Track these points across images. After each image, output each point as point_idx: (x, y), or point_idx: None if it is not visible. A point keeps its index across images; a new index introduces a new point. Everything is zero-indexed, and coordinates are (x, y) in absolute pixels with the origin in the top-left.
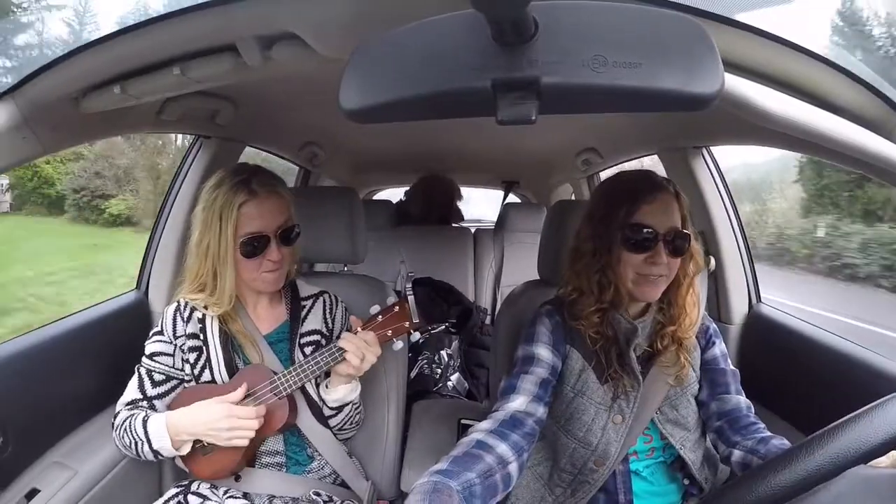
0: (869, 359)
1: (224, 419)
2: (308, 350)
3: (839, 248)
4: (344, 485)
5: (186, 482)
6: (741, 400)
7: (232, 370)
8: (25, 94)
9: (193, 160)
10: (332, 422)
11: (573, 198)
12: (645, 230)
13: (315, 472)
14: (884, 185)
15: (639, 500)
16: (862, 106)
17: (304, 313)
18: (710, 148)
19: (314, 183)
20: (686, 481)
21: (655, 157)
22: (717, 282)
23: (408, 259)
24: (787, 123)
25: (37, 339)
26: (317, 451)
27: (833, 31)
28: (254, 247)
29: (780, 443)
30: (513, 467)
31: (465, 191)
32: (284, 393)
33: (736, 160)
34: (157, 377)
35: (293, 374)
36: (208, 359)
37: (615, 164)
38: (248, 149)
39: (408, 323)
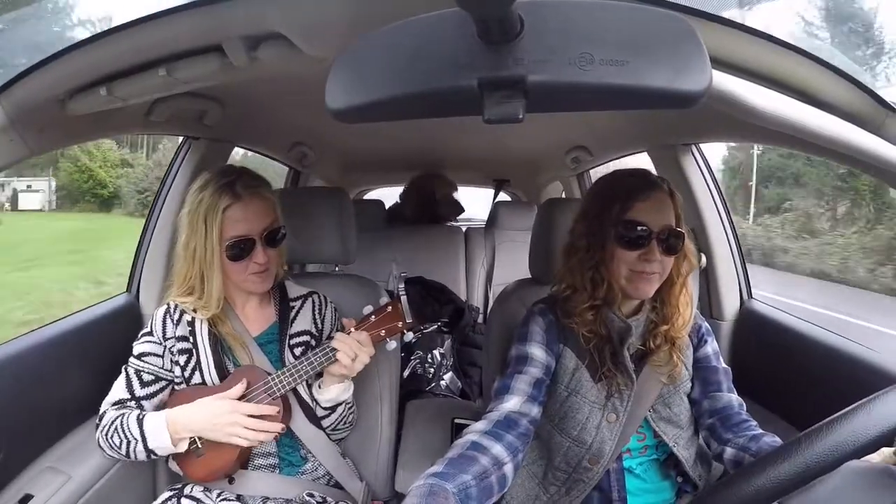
0: (860, 354)
1: (227, 414)
2: (298, 351)
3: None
4: (338, 486)
5: (180, 485)
6: (733, 398)
7: (222, 372)
8: (11, 97)
9: (182, 162)
10: (326, 422)
11: (563, 196)
12: (639, 227)
13: (309, 473)
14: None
15: (633, 497)
16: (850, 102)
17: (293, 314)
18: (700, 145)
19: (304, 183)
20: (679, 479)
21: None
22: (708, 278)
23: (399, 258)
24: (775, 120)
25: (28, 343)
26: (310, 452)
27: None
28: (240, 250)
29: (772, 440)
30: (508, 468)
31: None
32: (278, 394)
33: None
34: (146, 377)
35: (286, 374)
36: (198, 361)
37: (605, 162)
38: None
39: (401, 323)
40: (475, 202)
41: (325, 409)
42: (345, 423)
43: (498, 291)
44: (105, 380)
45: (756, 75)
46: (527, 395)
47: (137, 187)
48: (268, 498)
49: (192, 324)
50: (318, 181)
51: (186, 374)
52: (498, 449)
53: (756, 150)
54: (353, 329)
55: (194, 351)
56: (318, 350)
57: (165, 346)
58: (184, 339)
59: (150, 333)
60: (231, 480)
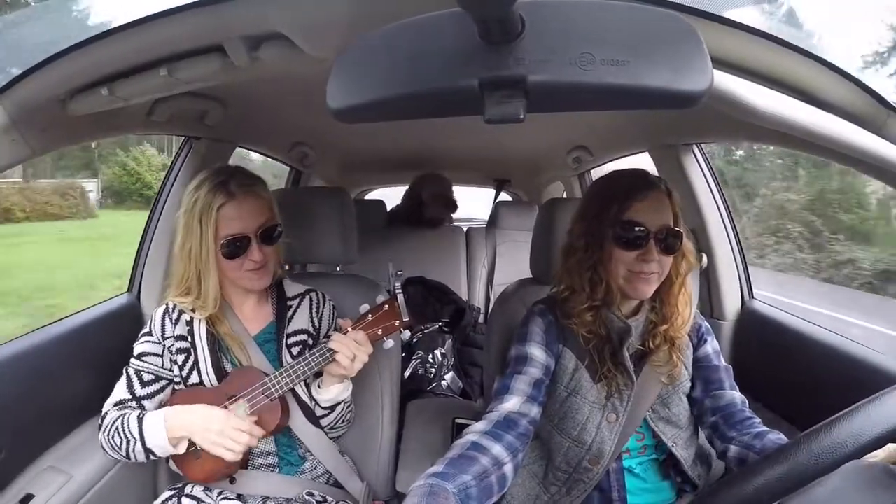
0: (862, 354)
1: (219, 424)
2: (295, 350)
3: None
4: (338, 485)
5: (180, 485)
6: (735, 395)
7: (219, 372)
8: (12, 97)
9: (183, 162)
10: (324, 421)
11: (564, 196)
12: (636, 228)
13: (308, 472)
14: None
15: (632, 497)
16: (851, 102)
17: (290, 313)
18: (701, 145)
19: (305, 183)
20: (678, 479)
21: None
22: (709, 278)
23: (400, 258)
24: (776, 120)
25: (29, 343)
26: (308, 451)
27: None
28: (235, 247)
29: (777, 437)
30: (508, 468)
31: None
32: (276, 395)
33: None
34: (146, 377)
35: (284, 375)
36: (196, 361)
37: (606, 162)
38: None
39: (398, 321)
40: (473, 201)
41: (324, 408)
42: (343, 421)
43: (499, 291)
44: (106, 379)
45: (757, 75)
46: (526, 395)
47: None
48: (268, 497)
49: (190, 323)
50: (318, 181)
51: (184, 373)
52: (498, 449)
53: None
54: (349, 329)
55: (192, 351)
56: (315, 350)
57: (164, 346)
58: (182, 338)
59: (150, 333)
60: (232, 480)
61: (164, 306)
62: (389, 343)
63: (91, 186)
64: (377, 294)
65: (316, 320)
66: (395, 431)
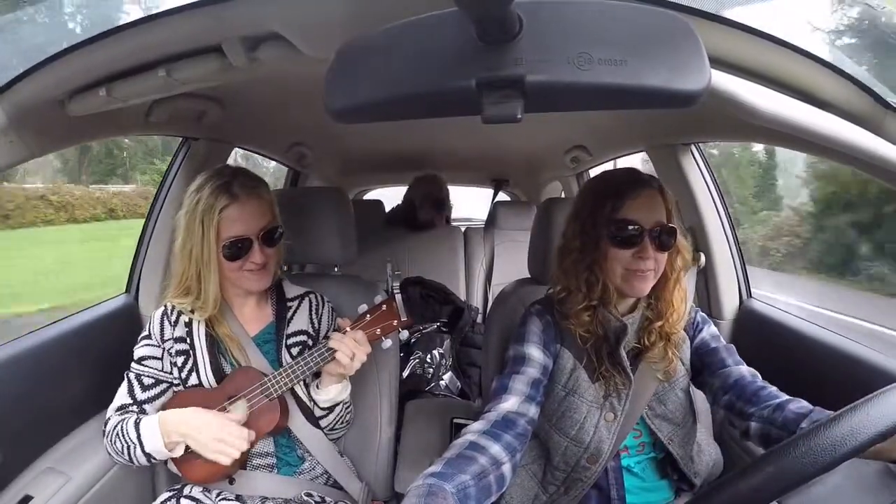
0: (860, 353)
1: (216, 430)
2: (295, 351)
3: None
4: (336, 485)
5: (179, 486)
6: (741, 369)
7: (219, 373)
8: (10, 98)
9: (182, 162)
10: (324, 422)
11: (563, 195)
12: (630, 226)
13: (306, 472)
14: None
15: (631, 495)
16: (849, 101)
17: (289, 314)
18: (699, 144)
19: (303, 183)
20: (676, 477)
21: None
22: (707, 278)
23: (398, 259)
24: (775, 119)
25: (27, 345)
26: (308, 451)
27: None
28: (237, 249)
29: (798, 407)
30: (506, 468)
31: (452, 190)
32: (275, 395)
33: None
34: (147, 381)
35: (283, 375)
36: (195, 362)
37: (604, 162)
38: None
39: (396, 321)
40: (474, 201)
41: (323, 409)
42: (342, 422)
43: (497, 291)
44: (104, 381)
45: (755, 74)
46: (524, 395)
47: None
48: (266, 498)
49: (189, 325)
50: (317, 181)
51: (183, 375)
52: (496, 449)
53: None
54: (348, 328)
55: (191, 352)
56: (314, 350)
57: (164, 349)
58: (181, 340)
59: (149, 336)
60: (231, 481)
61: (162, 308)
62: (388, 343)
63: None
64: (375, 295)
65: (315, 321)
66: (394, 431)
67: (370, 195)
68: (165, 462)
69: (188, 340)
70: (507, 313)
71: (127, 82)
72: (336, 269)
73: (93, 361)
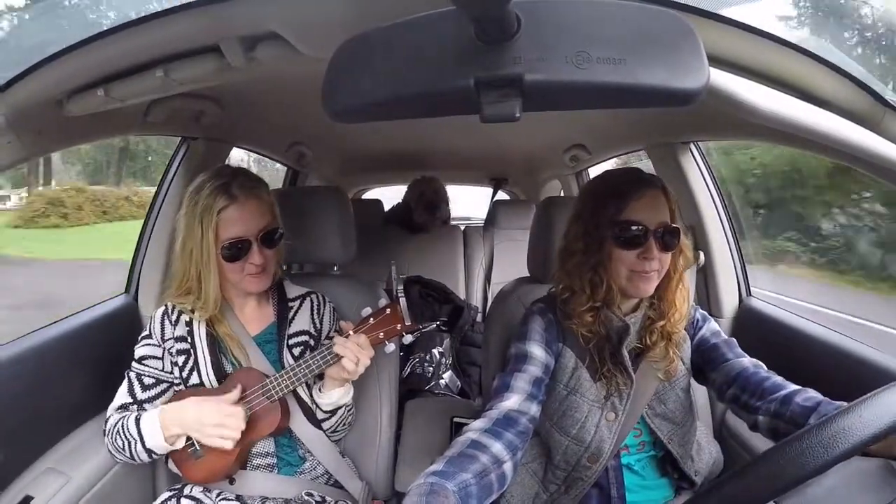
0: (860, 351)
1: (214, 415)
2: (297, 351)
3: None
4: (337, 485)
5: (179, 486)
6: (743, 361)
7: (219, 372)
8: (8, 99)
9: (180, 162)
10: (326, 424)
11: (562, 194)
12: (635, 227)
13: (307, 472)
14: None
15: (631, 494)
16: (848, 99)
17: (291, 314)
18: (698, 143)
19: (302, 183)
20: (676, 475)
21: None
22: (706, 276)
23: (398, 258)
24: (774, 118)
25: (27, 345)
26: (309, 452)
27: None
28: (236, 250)
29: (804, 399)
30: (507, 466)
31: (451, 189)
32: (276, 397)
33: None
34: (147, 381)
35: (285, 377)
36: (196, 361)
37: (603, 160)
38: None
39: (400, 325)
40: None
41: (325, 412)
42: (344, 424)
43: (497, 290)
44: (104, 381)
45: (754, 73)
46: (526, 393)
47: None
48: (267, 498)
49: (189, 324)
50: (316, 181)
51: (184, 374)
52: (497, 447)
53: None
54: (351, 332)
55: (192, 351)
56: (316, 353)
57: (164, 348)
58: (182, 339)
59: (149, 336)
60: (231, 481)
61: (163, 307)
62: (391, 347)
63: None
64: (375, 294)
65: (317, 321)
66: (394, 431)
67: (369, 194)
68: (166, 462)
69: (189, 340)
70: (506, 312)
71: (125, 82)
72: (335, 269)
73: (93, 362)
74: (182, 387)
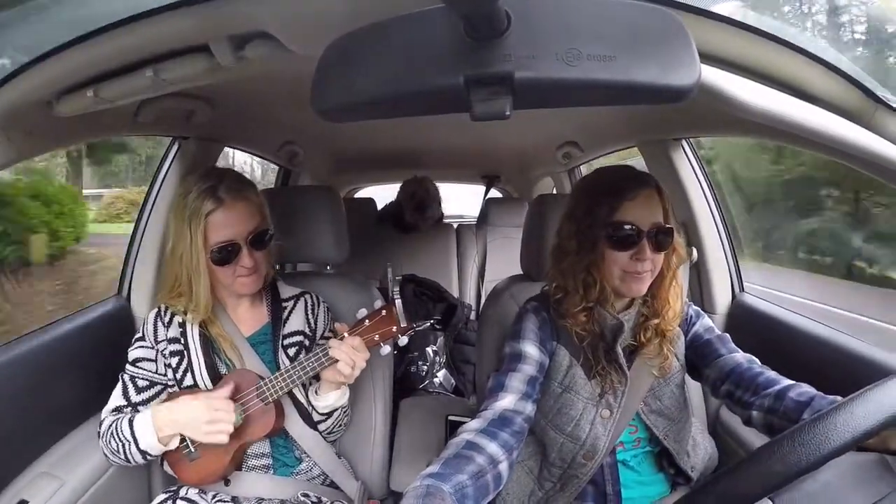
0: (853, 346)
1: (205, 411)
2: (291, 351)
3: None
4: (333, 485)
5: (174, 488)
6: (736, 356)
7: (214, 373)
8: None
9: (171, 162)
10: (322, 426)
11: (554, 192)
12: (628, 227)
13: (303, 473)
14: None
15: (627, 490)
16: (839, 96)
17: (285, 314)
18: (690, 139)
19: (294, 182)
20: (672, 471)
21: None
22: (699, 272)
23: (390, 256)
24: (765, 114)
25: (20, 349)
26: (305, 453)
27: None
28: (226, 254)
29: (798, 395)
30: (503, 466)
31: (443, 188)
32: (271, 399)
33: None
34: (141, 383)
35: (279, 379)
36: (190, 363)
37: (596, 158)
38: None
39: (395, 328)
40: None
41: (322, 414)
42: (340, 426)
43: (490, 288)
44: (98, 383)
45: (746, 70)
46: (521, 392)
47: None
48: (262, 499)
49: (182, 325)
50: (308, 180)
51: (178, 375)
52: (493, 447)
53: None
54: (346, 334)
55: (185, 353)
56: (311, 355)
57: (157, 350)
58: (175, 340)
59: (143, 338)
60: (227, 482)
61: (156, 309)
62: (386, 349)
63: None
64: (369, 294)
65: (311, 322)
66: (389, 430)
67: (361, 193)
68: (161, 464)
69: (182, 341)
70: (500, 310)
71: (114, 83)
72: (328, 268)
73: (86, 364)
74: (176, 388)
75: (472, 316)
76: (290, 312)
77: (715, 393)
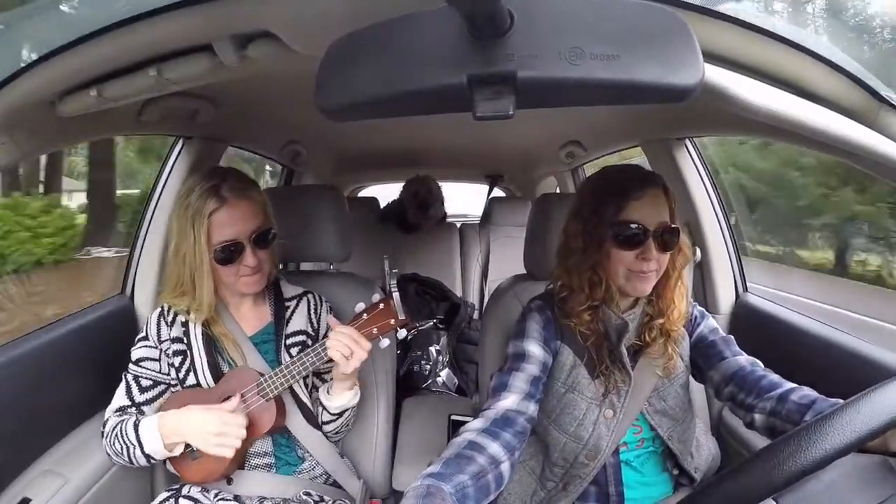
0: (856, 347)
1: (214, 425)
2: (294, 351)
3: None
4: (335, 484)
5: (177, 486)
6: (740, 359)
7: (216, 373)
8: (0, 100)
9: (175, 161)
10: (331, 426)
11: (557, 191)
12: (634, 227)
13: (306, 472)
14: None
15: (630, 490)
16: (843, 95)
17: (288, 314)
18: (694, 138)
19: (298, 181)
20: (676, 471)
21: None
22: (703, 272)
23: (394, 256)
24: (769, 114)
25: (23, 347)
26: (307, 452)
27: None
28: (229, 253)
29: (800, 397)
30: (505, 466)
31: (447, 187)
32: (271, 395)
33: None
34: (144, 383)
35: (279, 375)
36: (192, 362)
37: (599, 157)
38: None
39: (393, 320)
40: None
41: (333, 414)
42: (347, 426)
43: (493, 287)
44: (100, 382)
45: (749, 69)
46: (524, 392)
47: None
48: (265, 498)
49: (185, 325)
50: (311, 180)
51: (181, 375)
52: (495, 447)
53: None
54: (339, 327)
55: (188, 352)
56: (310, 350)
57: (161, 349)
58: (178, 340)
59: (146, 338)
60: (229, 481)
61: (159, 309)
62: (385, 342)
63: None
64: (372, 292)
65: (314, 321)
66: (391, 429)
67: (364, 192)
68: (164, 462)
69: (185, 341)
70: (503, 309)
71: (117, 82)
72: (332, 267)
73: (89, 363)
74: (179, 388)
75: (476, 315)
76: (293, 312)
77: (718, 395)
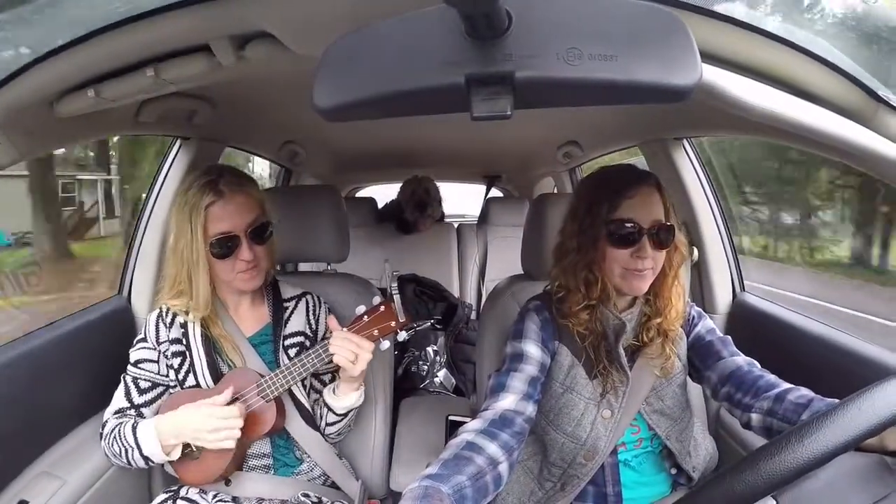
0: (854, 346)
1: (209, 420)
2: (293, 352)
3: None
4: (334, 486)
5: (175, 488)
6: (737, 359)
7: (215, 374)
8: None
9: (173, 162)
10: (334, 428)
11: (555, 191)
12: (628, 225)
13: (304, 473)
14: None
15: (628, 490)
16: (840, 95)
17: (286, 315)
18: (691, 138)
19: (296, 182)
20: (674, 471)
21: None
22: (700, 272)
23: (391, 256)
24: (766, 114)
25: (20, 349)
26: (306, 453)
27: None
28: (225, 247)
29: (797, 397)
30: (503, 467)
31: (444, 187)
32: (271, 396)
33: None
34: (143, 384)
35: (279, 376)
36: (192, 364)
37: (597, 157)
38: None
39: (394, 322)
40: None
41: (338, 415)
42: (349, 427)
43: (491, 287)
44: (98, 383)
45: (747, 69)
46: (522, 392)
47: None
48: (263, 499)
49: (184, 326)
50: (309, 180)
51: (180, 376)
52: (493, 448)
53: None
54: (340, 330)
55: (188, 353)
56: (310, 351)
57: (160, 351)
58: (177, 341)
59: (145, 339)
60: (227, 482)
61: (157, 310)
62: (386, 344)
63: None
64: (370, 293)
65: (313, 322)
66: (389, 430)
67: (361, 193)
68: (162, 464)
69: (184, 342)
70: (500, 309)
71: (115, 83)
72: (329, 267)
73: (87, 364)
74: (178, 389)
75: (473, 315)
76: (292, 313)
77: (715, 396)
